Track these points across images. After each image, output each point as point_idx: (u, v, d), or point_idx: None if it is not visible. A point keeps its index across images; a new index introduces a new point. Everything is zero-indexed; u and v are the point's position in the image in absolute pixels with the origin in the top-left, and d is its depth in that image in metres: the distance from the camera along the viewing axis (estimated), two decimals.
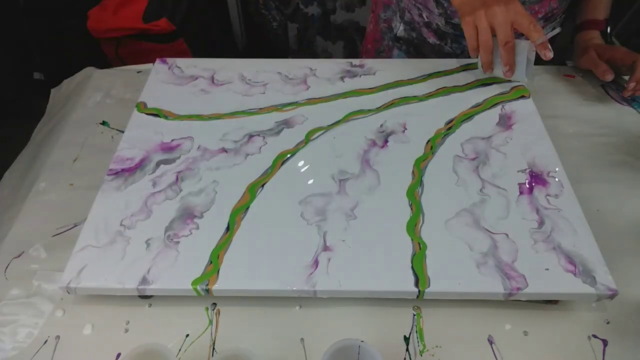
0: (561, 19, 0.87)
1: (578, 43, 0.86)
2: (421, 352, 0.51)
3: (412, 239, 0.55)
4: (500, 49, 0.67)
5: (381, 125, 0.69)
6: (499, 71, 0.72)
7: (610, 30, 0.84)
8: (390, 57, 0.94)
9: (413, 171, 0.63)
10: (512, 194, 0.60)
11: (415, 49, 0.91)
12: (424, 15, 0.85)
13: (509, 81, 0.75)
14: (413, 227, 0.56)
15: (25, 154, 0.79)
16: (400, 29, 0.90)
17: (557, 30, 0.70)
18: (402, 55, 0.93)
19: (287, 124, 0.70)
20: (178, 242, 0.55)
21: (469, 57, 0.74)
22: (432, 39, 0.87)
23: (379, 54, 0.97)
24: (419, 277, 0.52)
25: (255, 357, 0.43)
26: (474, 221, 0.57)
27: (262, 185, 0.61)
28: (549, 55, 0.66)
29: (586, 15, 0.86)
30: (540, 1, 0.80)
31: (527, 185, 0.61)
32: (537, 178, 0.62)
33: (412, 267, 0.53)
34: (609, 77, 0.78)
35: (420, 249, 0.54)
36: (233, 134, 0.68)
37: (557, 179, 0.62)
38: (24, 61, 1.57)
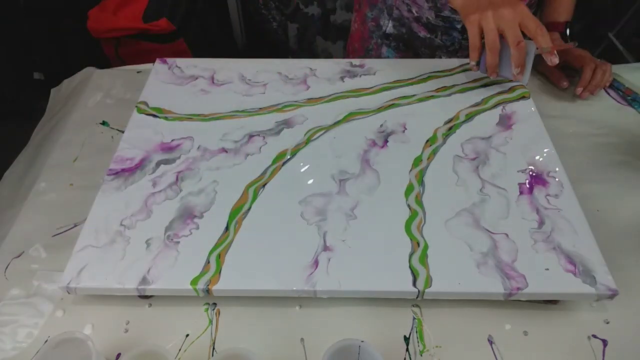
0: (534, 8, 0.88)
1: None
2: (421, 352, 0.51)
3: (410, 239, 0.55)
4: (512, 49, 0.65)
5: (381, 125, 0.69)
6: (503, 72, 0.70)
7: (571, 33, 0.84)
8: (379, 54, 0.95)
9: (412, 170, 0.63)
10: (512, 194, 0.60)
11: (405, 44, 0.91)
12: (414, 11, 0.86)
13: (506, 81, 0.75)
14: (410, 226, 0.56)
15: (25, 154, 0.79)
16: (389, 26, 0.90)
17: (573, 44, 0.70)
18: (392, 51, 0.93)
19: (287, 124, 0.70)
20: (178, 242, 0.55)
21: (460, 50, 0.73)
22: (422, 33, 0.88)
23: (367, 52, 0.98)
24: (424, 275, 0.52)
25: (255, 357, 0.43)
26: (474, 221, 0.57)
27: (263, 186, 0.61)
28: (555, 60, 0.65)
29: (547, 17, 0.86)
30: None
31: (527, 185, 0.61)
32: (537, 178, 0.62)
33: (412, 267, 0.53)
34: (565, 84, 0.80)
35: (420, 247, 0.54)
36: (233, 134, 0.68)
37: (557, 179, 0.62)
38: (24, 61, 1.57)
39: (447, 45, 0.88)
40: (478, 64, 0.70)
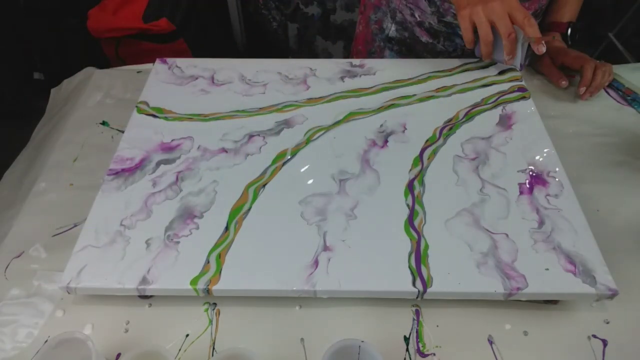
0: (540, 17, 0.87)
1: None
2: (422, 351, 0.51)
3: (410, 239, 0.55)
4: (504, 40, 0.69)
5: (381, 125, 0.69)
6: (497, 57, 0.75)
7: (572, 34, 0.84)
8: (382, 57, 0.95)
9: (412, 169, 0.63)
10: (512, 194, 0.60)
11: (407, 48, 0.91)
12: (416, 15, 0.86)
13: (504, 67, 0.77)
14: (409, 226, 0.56)
15: (25, 154, 0.79)
16: (392, 30, 0.90)
17: (552, 37, 0.73)
18: (394, 55, 0.93)
19: (287, 124, 0.70)
20: (178, 242, 0.55)
21: (463, 56, 0.75)
22: (424, 38, 0.88)
23: (370, 54, 0.98)
24: (424, 275, 0.52)
25: (255, 357, 0.43)
26: (474, 221, 0.57)
27: (263, 186, 0.61)
28: (542, 49, 0.68)
29: (550, 17, 0.86)
30: (530, 0, 0.80)
31: (527, 185, 0.61)
32: (537, 178, 0.62)
33: (411, 267, 0.53)
34: (564, 83, 0.80)
35: (420, 247, 0.54)
36: (233, 134, 0.68)
37: (557, 179, 0.62)
38: (24, 61, 1.57)
39: (449, 51, 0.88)
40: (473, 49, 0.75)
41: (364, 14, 0.97)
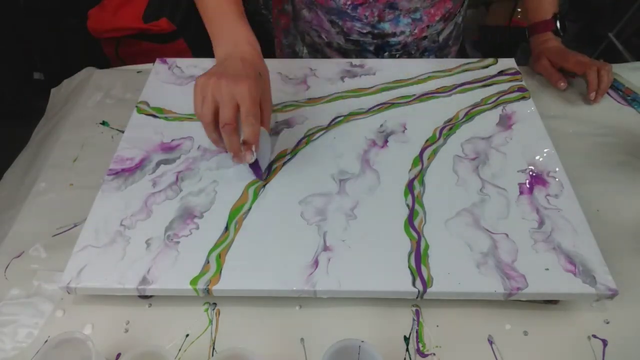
0: (460, 14, 0.87)
1: (533, 46, 0.86)
2: (421, 352, 0.51)
3: (410, 239, 0.55)
4: (221, 129, 0.55)
5: (381, 125, 0.69)
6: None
7: (562, 24, 0.82)
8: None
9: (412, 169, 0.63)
10: (512, 194, 0.60)
11: None
12: (323, 36, 0.84)
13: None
14: (409, 225, 0.56)
15: (25, 154, 0.79)
16: (304, 52, 0.89)
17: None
18: None
19: (287, 124, 0.70)
20: (178, 242, 0.55)
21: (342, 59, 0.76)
22: (336, 58, 0.86)
23: None
24: (424, 275, 0.52)
25: (255, 357, 0.43)
26: (474, 221, 0.57)
27: (263, 186, 0.61)
28: (249, 158, 0.57)
29: (534, 17, 0.85)
30: (435, 4, 0.79)
31: (527, 185, 0.61)
32: (537, 178, 0.62)
33: (413, 266, 0.53)
34: (563, 85, 0.79)
35: (420, 247, 0.54)
36: None
37: (557, 179, 0.62)
38: (24, 61, 1.57)
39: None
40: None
41: (278, 39, 0.95)
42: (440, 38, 0.85)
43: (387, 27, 0.80)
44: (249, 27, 0.62)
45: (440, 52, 0.89)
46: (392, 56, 0.85)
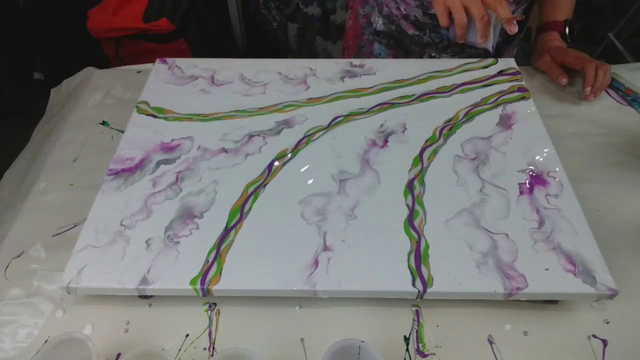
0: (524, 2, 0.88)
1: (537, 44, 0.88)
2: (421, 352, 0.51)
3: (410, 238, 0.55)
4: (477, 23, 0.70)
5: (381, 125, 0.69)
6: (471, 39, 0.75)
7: (570, 32, 0.85)
8: (371, 51, 0.96)
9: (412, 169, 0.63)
10: (512, 194, 0.60)
11: (395, 41, 0.92)
12: (402, 8, 0.86)
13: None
14: (409, 225, 0.56)
15: (25, 154, 0.79)
16: (379, 23, 0.91)
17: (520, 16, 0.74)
18: (383, 48, 0.94)
19: (287, 124, 0.70)
20: (178, 242, 0.55)
21: (450, 47, 0.77)
22: (411, 31, 0.88)
23: (360, 48, 0.98)
24: (424, 275, 0.52)
25: (255, 357, 0.43)
26: (474, 221, 0.57)
27: (264, 186, 0.61)
28: (514, 29, 0.69)
29: (546, 16, 0.87)
30: None
31: (527, 185, 0.61)
32: (537, 178, 0.62)
33: (414, 266, 0.53)
34: (564, 80, 0.80)
35: (420, 247, 0.54)
36: (233, 134, 0.68)
37: (557, 179, 0.62)
38: (24, 61, 1.57)
39: (436, 43, 0.88)
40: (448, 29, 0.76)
41: (353, 9, 0.98)
42: None
43: None
44: None
45: (503, 46, 0.90)
46: None
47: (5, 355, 0.50)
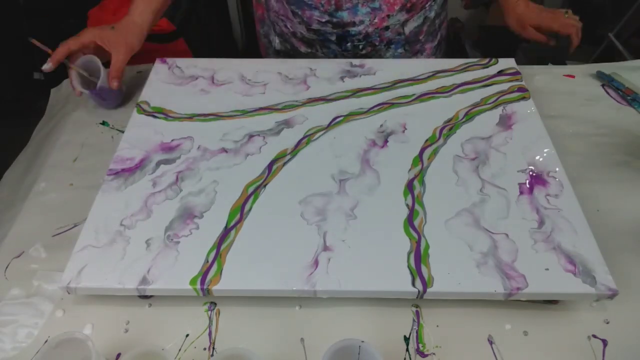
0: (434, 9, 0.86)
1: (503, 8, 0.88)
2: (421, 352, 0.51)
3: (410, 238, 0.55)
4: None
5: (381, 125, 0.69)
6: None
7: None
8: None
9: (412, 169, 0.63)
10: (512, 194, 0.60)
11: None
12: (289, 26, 0.85)
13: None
14: (409, 225, 0.56)
15: (25, 154, 0.79)
16: (276, 42, 0.90)
17: None
18: None
19: (287, 124, 0.70)
20: (178, 242, 0.55)
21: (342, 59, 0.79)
22: (303, 48, 0.87)
23: None
24: (424, 275, 0.52)
25: (255, 357, 0.43)
26: (474, 221, 0.57)
27: (264, 186, 0.61)
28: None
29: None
30: None
31: (527, 185, 0.61)
32: (537, 178, 0.62)
33: (413, 266, 0.53)
34: (553, 42, 0.85)
35: (420, 247, 0.54)
36: (233, 134, 0.68)
37: (557, 179, 0.62)
38: (24, 61, 1.57)
39: (330, 58, 0.86)
40: None
41: (257, 29, 0.97)
42: (406, 30, 0.84)
43: (345, 15, 0.79)
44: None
45: (409, 46, 0.88)
46: (355, 47, 0.84)
47: (5, 355, 0.50)
